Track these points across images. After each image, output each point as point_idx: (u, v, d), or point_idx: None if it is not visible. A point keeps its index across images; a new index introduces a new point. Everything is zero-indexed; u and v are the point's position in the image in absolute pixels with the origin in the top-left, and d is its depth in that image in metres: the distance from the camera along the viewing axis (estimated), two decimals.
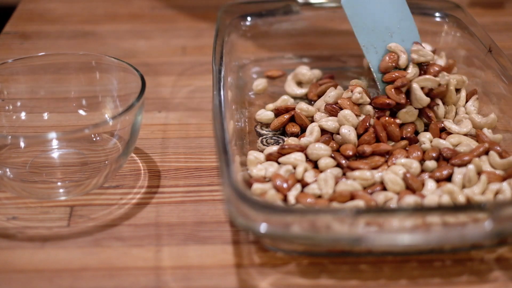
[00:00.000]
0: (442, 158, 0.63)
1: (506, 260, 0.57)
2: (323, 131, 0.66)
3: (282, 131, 0.71)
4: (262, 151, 0.68)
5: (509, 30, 0.98)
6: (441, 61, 0.77)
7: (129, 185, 0.66)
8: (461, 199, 0.57)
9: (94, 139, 0.66)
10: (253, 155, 0.64)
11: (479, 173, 0.60)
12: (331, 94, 0.69)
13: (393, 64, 0.68)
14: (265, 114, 0.72)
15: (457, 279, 0.55)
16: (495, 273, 0.56)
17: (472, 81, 0.76)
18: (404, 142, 0.65)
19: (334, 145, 0.65)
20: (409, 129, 0.66)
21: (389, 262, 0.57)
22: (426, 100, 0.66)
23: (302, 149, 0.64)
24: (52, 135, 0.59)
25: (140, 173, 0.68)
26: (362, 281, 0.55)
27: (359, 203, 0.57)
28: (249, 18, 0.84)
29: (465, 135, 0.66)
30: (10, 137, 0.62)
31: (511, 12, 1.04)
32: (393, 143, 0.65)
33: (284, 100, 0.74)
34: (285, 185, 0.59)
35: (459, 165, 0.61)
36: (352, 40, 0.85)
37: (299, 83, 0.78)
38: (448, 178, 0.61)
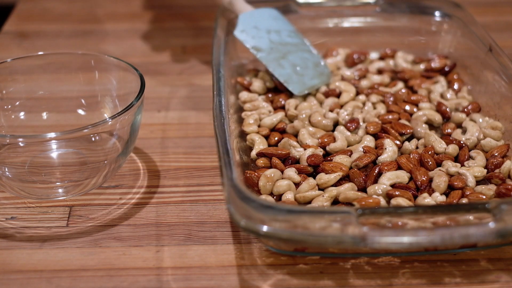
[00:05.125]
0: None
1: (508, 260, 0.57)
2: None
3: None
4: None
5: (509, 29, 0.98)
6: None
7: (129, 185, 0.66)
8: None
9: (93, 138, 0.65)
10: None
11: None
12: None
13: None
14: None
15: (459, 279, 0.55)
16: (497, 273, 0.56)
17: (472, 80, 0.76)
18: None
19: None
20: None
21: (390, 262, 0.57)
22: None
23: None
24: (51, 134, 0.59)
25: (140, 173, 0.68)
26: (362, 281, 0.55)
27: None
28: None
29: None
30: (9, 136, 0.62)
31: (511, 11, 1.04)
32: None
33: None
34: None
35: None
36: (351, 40, 0.85)
37: None
38: None
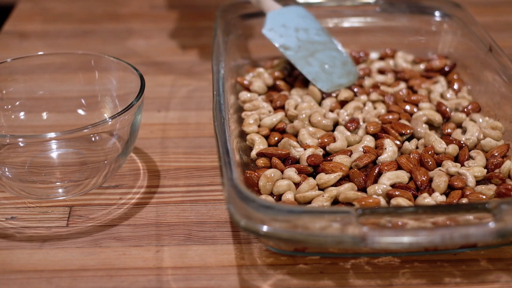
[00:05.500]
0: None
1: (508, 260, 0.57)
2: None
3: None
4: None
5: (509, 29, 0.98)
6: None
7: (129, 185, 0.66)
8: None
9: (93, 138, 0.65)
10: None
11: None
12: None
13: None
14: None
15: (459, 279, 0.55)
16: (497, 273, 0.56)
17: (472, 80, 0.76)
18: None
19: None
20: None
21: (390, 262, 0.57)
22: None
23: None
24: (51, 134, 0.59)
25: (140, 173, 0.68)
26: (362, 281, 0.55)
27: None
28: (248, 18, 0.83)
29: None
30: (9, 136, 0.62)
31: (511, 11, 1.04)
32: None
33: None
34: None
35: None
36: (351, 40, 0.85)
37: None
38: None
